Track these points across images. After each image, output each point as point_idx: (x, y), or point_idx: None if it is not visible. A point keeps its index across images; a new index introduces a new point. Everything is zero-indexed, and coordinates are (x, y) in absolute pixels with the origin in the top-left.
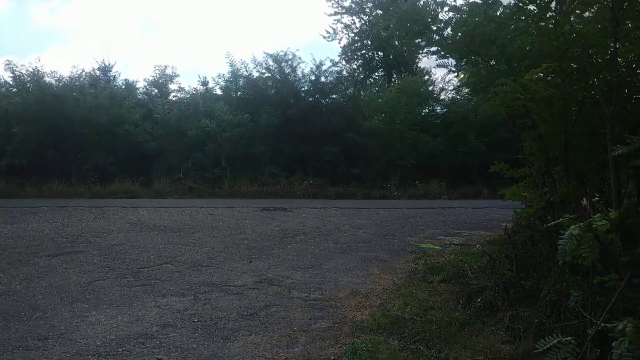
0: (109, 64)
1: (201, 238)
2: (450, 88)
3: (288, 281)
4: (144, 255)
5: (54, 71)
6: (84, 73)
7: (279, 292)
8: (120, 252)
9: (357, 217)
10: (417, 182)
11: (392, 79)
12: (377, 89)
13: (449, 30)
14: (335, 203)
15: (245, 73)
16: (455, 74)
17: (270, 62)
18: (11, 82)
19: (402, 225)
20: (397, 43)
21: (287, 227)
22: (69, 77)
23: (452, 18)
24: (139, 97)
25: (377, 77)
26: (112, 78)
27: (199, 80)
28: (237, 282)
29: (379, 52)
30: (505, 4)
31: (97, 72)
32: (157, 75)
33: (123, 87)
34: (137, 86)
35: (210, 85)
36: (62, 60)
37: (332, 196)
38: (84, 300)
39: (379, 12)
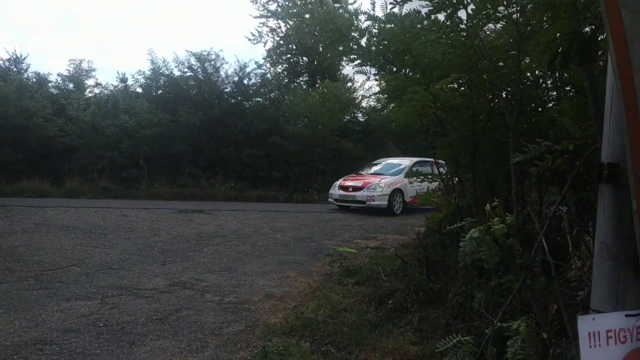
0: (21, 56)
1: (112, 240)
2: (370, 95)
3: (202, 284)
4: (49, 257)
5: None
6: None
7: (192, 295)
8: (23, 254)
9: (277, 220)
10: None
11: (316, 85)
12: (300, 93)
13: (364, 39)
14: (256, 206)
15: (166, 71)
16: (377, 82)
17: (193, 61)
18: None
19: (321, 229)
20: (321, 49)
21: (205, 229)
22: None
23: (369, 27)
24: (52, 91)
25: (302, 82)
26: (23, 70)
27: (117, 77)
28: (148, 285)
29: (304, 57)
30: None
31: (7, 64)
32: (73, 70)
33: (34, 80)
34: (50, 79)
35: (130, 82)
36: None
37: (254, 199)
38: None
39: (306, 16)
